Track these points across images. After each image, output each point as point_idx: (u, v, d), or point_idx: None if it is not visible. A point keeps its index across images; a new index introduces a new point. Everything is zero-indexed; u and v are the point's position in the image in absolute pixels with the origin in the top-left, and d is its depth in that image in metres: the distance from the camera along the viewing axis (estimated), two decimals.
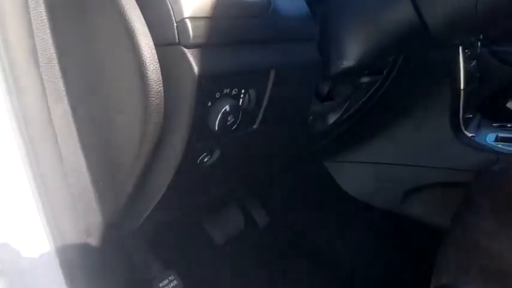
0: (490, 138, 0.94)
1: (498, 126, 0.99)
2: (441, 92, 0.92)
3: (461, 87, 0.90)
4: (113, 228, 0.56)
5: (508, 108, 0.91)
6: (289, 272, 0.94)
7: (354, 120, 0.82)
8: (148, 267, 0.75)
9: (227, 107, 0.45)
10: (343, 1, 0.61)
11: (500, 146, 0.91)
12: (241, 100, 0.48)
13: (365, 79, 0.73)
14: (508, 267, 0.52)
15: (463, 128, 0.93)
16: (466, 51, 0.93)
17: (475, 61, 1.00)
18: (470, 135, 0.93)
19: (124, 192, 0.50)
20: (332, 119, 0.75)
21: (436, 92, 0.92)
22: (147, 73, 0.41)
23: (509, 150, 0.89)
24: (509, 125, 0.98)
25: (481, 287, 0.49)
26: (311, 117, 0.68)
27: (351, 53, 0.59)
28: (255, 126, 0.53)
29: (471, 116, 0.98)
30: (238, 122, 0.47)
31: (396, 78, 0.79)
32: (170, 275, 0.74)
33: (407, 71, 0.80)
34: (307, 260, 0.99)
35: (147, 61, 0.41)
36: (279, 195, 1.04)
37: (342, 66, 0.59)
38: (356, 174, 1.05)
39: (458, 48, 0.90)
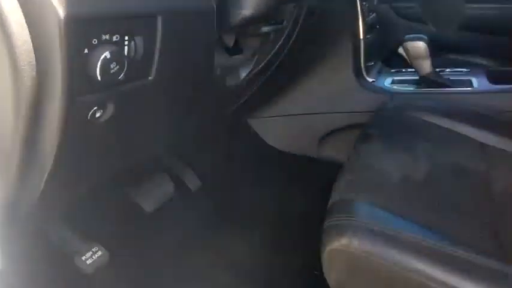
0: (387, 81, 1.06)
1: (395, 72, 1.12)
2: (344, 42, 1.00)
3: (361, 37, 1.00)
4: (12, 204, 0.50)
5: (402, 55, 1.02)
6: (223, 234, 0.93)
7: (266, 74, 0.84)
8: (67, 242, 0.70)
9: (107, 54, 0.41)
10: None
11: (395, 87, 1.03)
12: (126, 48, 0.45)
13: (266, 28, 0.74)
14: (387, 178, 0.61)
15: (365, 74, 1.03)
16: (364, 3, 1.02)
17: (374, 14, 1.10)
18: (371, 80, 1.04)
19: (12, 162, 0.45)
20: (244, 73, 0.76)
21: (339, 42, 1.00)
22: (7, 19, 0.37)
23: (402, 90, 1.02)
24: (403, 70, 1.10)
25: (366, 196, 0.57)
26: (218, 71, 0.68)
27: (249, 1, 0.59)
28: (150, 78, 0.50)
29: (372, 63, 1.09)
30: (124, 70, 0.44)
31: (302, 30, 0.82)
32: (93, 247, 0.70)
33: (311, 22, 0.84)
34: (241, 219, 0.99)
35: (5, 7, 0.36)
36: (208, 158, 1.05)
37: (241, 15, 0.59)
38: (277, 127, 1.12)
39: (356, 1, 0.99)
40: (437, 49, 1.09)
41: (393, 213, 0.53)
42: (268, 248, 0.90)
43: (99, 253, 0.71)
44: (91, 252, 0.70)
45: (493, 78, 0.99)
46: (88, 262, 0.70)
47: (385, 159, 0.66)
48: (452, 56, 1.22)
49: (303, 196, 0.93)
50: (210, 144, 1.04)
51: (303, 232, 0.77)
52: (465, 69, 1.08)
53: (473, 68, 1.09)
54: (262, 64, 0.80)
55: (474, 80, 1.00)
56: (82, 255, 0.69)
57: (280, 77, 0.93)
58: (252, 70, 0.77)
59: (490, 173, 0.63)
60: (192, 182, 1.00)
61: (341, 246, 0.48)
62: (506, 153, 0.68)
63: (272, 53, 0.80)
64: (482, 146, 0.70)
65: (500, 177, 0.62)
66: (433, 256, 0.47)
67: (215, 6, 0.55)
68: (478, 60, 1.20)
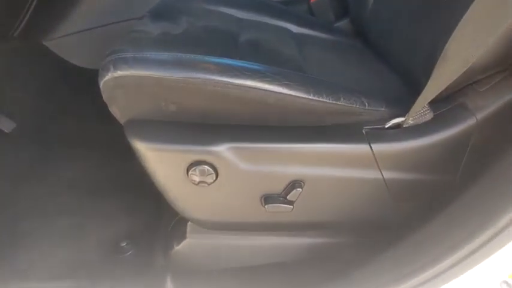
0: None
1: None
2: None
3: None
4: None
5: None
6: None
7: None
8: None
9: None
10: None
11: None
12: None
13: None
14: (149, 34, 0.65)
15: None
16: None
17: None
18: None
19: None
20: None
21: None
22: None
23: None
24: None
25: (132, 47, 0.57)
26: None
27: None
28: None
29: None
30: None
31: None
32: None
33: None
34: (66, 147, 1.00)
35: None
36: (15, 94, 1.04)
37: None
38: (75, 45, 1.15)
39: None
40: None
41: (155, 49, 0.57)
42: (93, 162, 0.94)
43: None
44: None
45: None
46: None
47: (151, 26, 0.69)
48: None
49: None
50: (9, 77, 1.02)
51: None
52: None
53: None
54: None
55: None
56: None
57: None
58: None
59: (241, 32, 0.75)
60: (4, 123, 0.99)
61: (110, 76, 0.53)
62: (253, 22, 0.84)
63: None
64: (239, 19, 0.83)
65: (247, 33, 0.74)
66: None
67: None
68: None
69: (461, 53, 0.48)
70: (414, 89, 0.56)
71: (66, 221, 0.82)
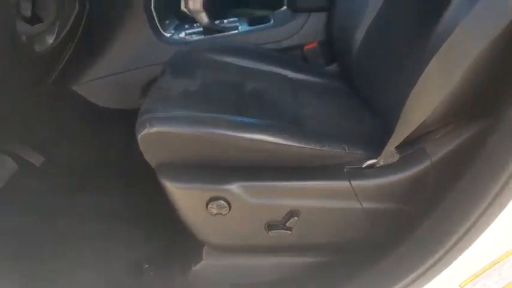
0: (181, 34, 1.32)
1: (188, 27, 1.37)
2: (136, 8, 1.21)
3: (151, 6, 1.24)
4: None
5: (185, 12, 1.28)
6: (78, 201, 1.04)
7: (74, 41, 0.97)
8: None
9: None
10: None
11: (187, 38, 1.31)
12: None
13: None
14: (171, 92, 0.81)
15: (162, 31, 1.28)
16: None
17: None
18: (168, 35, 1.30)
19: None
20: (50, 39, 0.87)
21: (133, 9, 1.22)
22: None
23: (191, 39, 1.30)
24: (194, 25, 1.35)
25: (159, 105, 0.74)
26: (24, 38, 0.78)
27: None
28: None
29: (168, 22, 1.35)
30: None
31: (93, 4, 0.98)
32: None
33: None
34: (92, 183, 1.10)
35: None
36: (45, 133, 1.16)
37: None
38: (102, 88, 1.29)
39: None
40: (234, 5, 1.55)
41: (180, 107, 0.73)
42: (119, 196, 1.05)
43: None
44: None
45: (251, 22, 1.36)
46: None
47: (171, 81, 0.87)
48: (248, 10, 1.59)
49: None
50: (41, 118, 1.14)
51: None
52: (234, 19, 1.42)
53: (242, 16, 1.43)
54: (67, 30, 0.91)
55: (239, 25, 1.36)
56: None
57: (88, 42, 1.10)
58: (57, 37, 0.88)
59: (245, 83, 0.90)
60: (34, 157, 1.09)
61: (146, 132, 0.68)
62: (255, 70, 1.00)
63: (71, 21, 0.92)
64: (242, 67, 0.99)
65: (250, 83, 0.91)
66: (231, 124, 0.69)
67: None
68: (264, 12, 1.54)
69: (418, 108, 0.62)
70: (388, 132, 0.70)
71: (93, 246, 0.93)
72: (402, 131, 0.65)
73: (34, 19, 0.82)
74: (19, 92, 0.89)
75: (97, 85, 1.29)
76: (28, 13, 0.80)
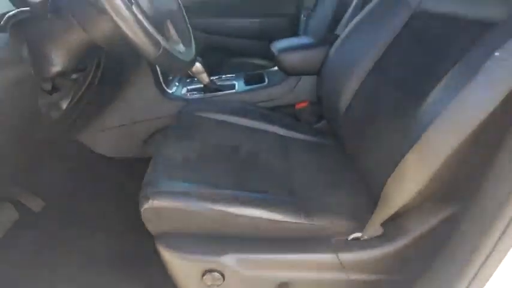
0: (183, 91, 1.43)
1: (189, 82, 1.50)
2: (143, 68, 1.30)
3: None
4: None
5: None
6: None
7: (84, 102, 1.03)
8: None
9: None
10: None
11: (188, 95, 1.41)
12: None
13: (75, 75, 0.94)
14: (173, 160, 0.87)
15: (165, 88, 1.38)
16: None
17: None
18: (171, 91, 1.40)
19: None
20: (64, 104, 0.94)
21: (139, 69, 1.30)
22: None
23: (193, 97, 1.39)
24: (195, 79, 1.44)
25: (163, 174, 0.81)
26: (43, 109, 0.85)
27: (56, 62, 0.81)
28: None
29: (171, 77, 1.47)
30: None
31: (106, 69, 1.06)
32: None
33: (112, 61, 1.09)
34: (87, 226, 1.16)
35: None
36: (48, 180, 1.23)
37: (53, 70, 0.82)
38: (107, 138, 1.38)
39: None
40: (229, 55, 1.75)
41: (181, 180, 0.80)
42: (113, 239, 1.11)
43: None
44: None
45: (247, 81, 1.47)
46: None
47: (173, 147, 0.94)
48: (243, 59, 1.80)
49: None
50: (43, 164, 1.20)
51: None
52: (231, 75, 1.55)
53: (237, 73, 1.56)
54: (79, 95, 0.98)
55: (236, 84, 1.46)
56: None
57: (98, 101, 1.19)
58: (71, 101, 0.95)
59: (241, 145, 0.98)
60: (34, 203, 1.13)
61: (148, 205, 0.74)
62: (250, 129, 1.09)
63: (84, 88, 1.00)
64: (239, 126, 1.08)
65: (246, 145, 0.99)
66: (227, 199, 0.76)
67: (33, 71, 0.76)
68: (257, 61, 1.73)
69: (396, 194, 0.68)
70: (371, 197, 0.75)
71: None
72: (382, 213, 0.71)
73: (53, 90, 0.88)
74: (26, 145, 0.94)
75: (101, 136, 1.37)
76: (49, 87, 0.86)
